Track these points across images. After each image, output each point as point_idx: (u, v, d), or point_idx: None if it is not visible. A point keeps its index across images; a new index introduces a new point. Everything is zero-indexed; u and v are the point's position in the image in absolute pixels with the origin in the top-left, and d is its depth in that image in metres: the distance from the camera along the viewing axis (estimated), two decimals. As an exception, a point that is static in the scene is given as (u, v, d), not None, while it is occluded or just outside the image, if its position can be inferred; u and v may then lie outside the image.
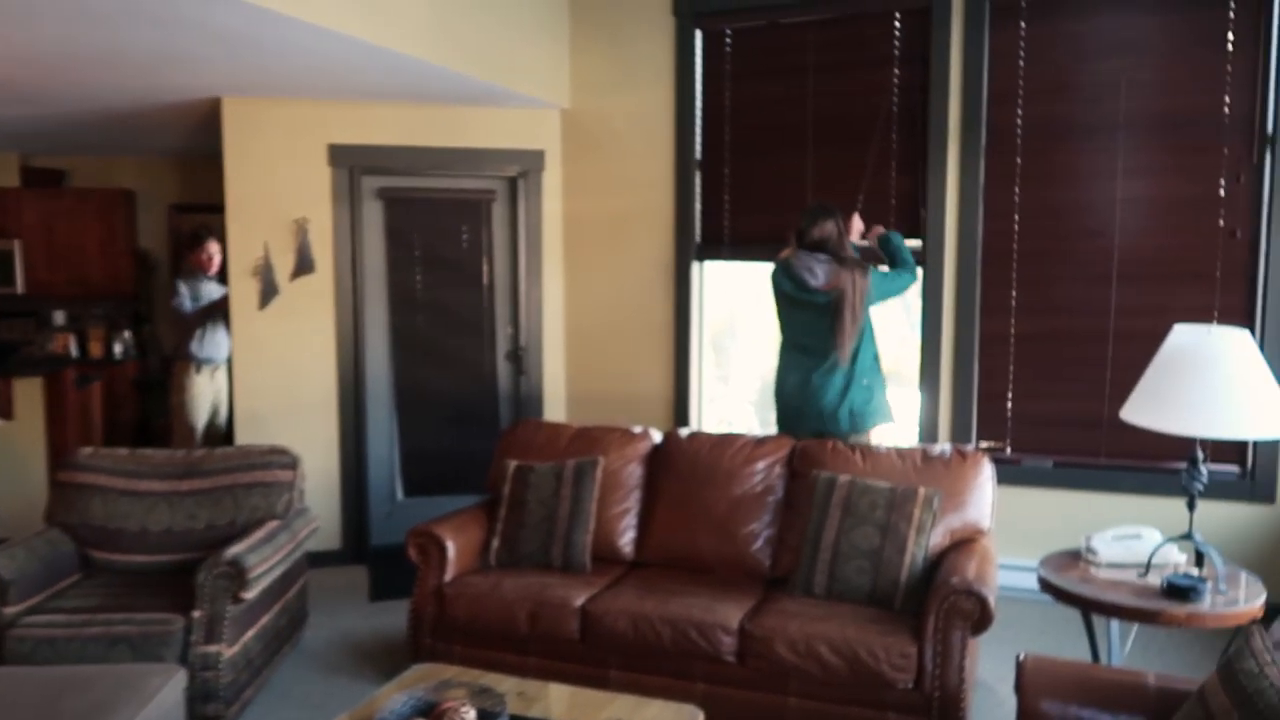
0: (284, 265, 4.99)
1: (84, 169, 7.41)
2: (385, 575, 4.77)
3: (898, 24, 4.58)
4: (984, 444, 4.57)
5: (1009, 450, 4.55)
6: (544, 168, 5.22)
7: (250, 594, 3.27)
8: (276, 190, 4.96)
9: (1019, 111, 4.41)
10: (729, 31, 4.89)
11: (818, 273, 3.93)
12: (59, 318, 7.42)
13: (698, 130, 4.98)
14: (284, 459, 3.88)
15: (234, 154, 4.93)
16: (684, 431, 4.03)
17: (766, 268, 4.24)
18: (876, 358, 4.04)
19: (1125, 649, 3.51)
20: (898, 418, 4.16)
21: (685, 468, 3.83)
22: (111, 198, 7.28)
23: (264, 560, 3.37)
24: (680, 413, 5.09)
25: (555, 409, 5.33)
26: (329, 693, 3.61)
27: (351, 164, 5.02)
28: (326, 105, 4.95)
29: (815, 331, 3.98)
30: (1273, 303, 4.07)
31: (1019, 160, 4.43)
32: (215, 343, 5.69)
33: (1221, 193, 4.15)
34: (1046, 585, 3.12)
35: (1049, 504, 4.42)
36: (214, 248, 5.71)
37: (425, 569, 3.62)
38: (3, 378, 5.92)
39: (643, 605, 3.30)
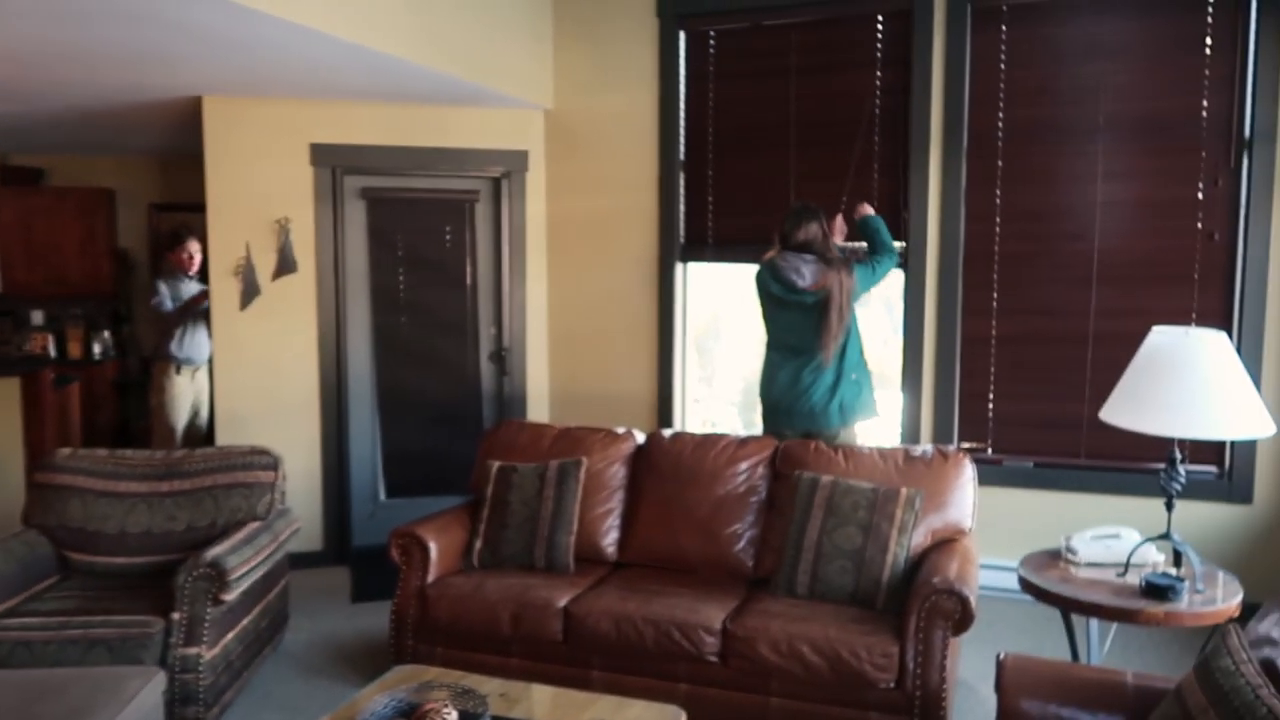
0: (265, 265, 4.96)
1: (62, 167, 7.35)
2: (367, 576, 4.74)
3: (880, 27, 4.60)
4: (965, 445, 4.60)
5: (990, 451, 4.58)
6: (528, 168, 5.21)
7: (230, 596, 3.25)
8: (258, 190, 4.93)
9: (1000, 114, 4.44)
10: (712, 33, 4.90)
11: (805, 273, 3.95)
12: (37, 317, 7.36)
13: (681, 131, 4.99)
14: (265, 460, 3.86)
15: (215, 153, 4.90)
16: (667, 432, 4.03)
17: (750, 269, 4.25)
18: (862, 353, 4.09)
19: (1104, 648, 3.54)
20: (882, 412, 4.21)
21: (668, 468, 3.83)
22: (90, 196, 7.21)
23: (245, 562, 3.35)
24: (664, 413, 5.10)
25: (539, 410, 5.33)
26: (310, 695, 3.59)
27: (334, 164, 5.00)
28: (308, 104, 4.92)
29: (803, 331, 4.00)
30: (1250, 305, 4.12)
31: (1000, 163, 4.46)
32: (196, 343, 5.66)
33: (1200, 195, 4.19)
34: (1027, 585, 3.14)
35: (1029, 504, 4.45)
36: (194, 247, 5.68)
37: (407, 570, 3.61)
38: (-21, 378, 5.86)
39: (626, 606, 3.30)
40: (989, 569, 4.29)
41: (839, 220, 4.32)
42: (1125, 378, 3.10)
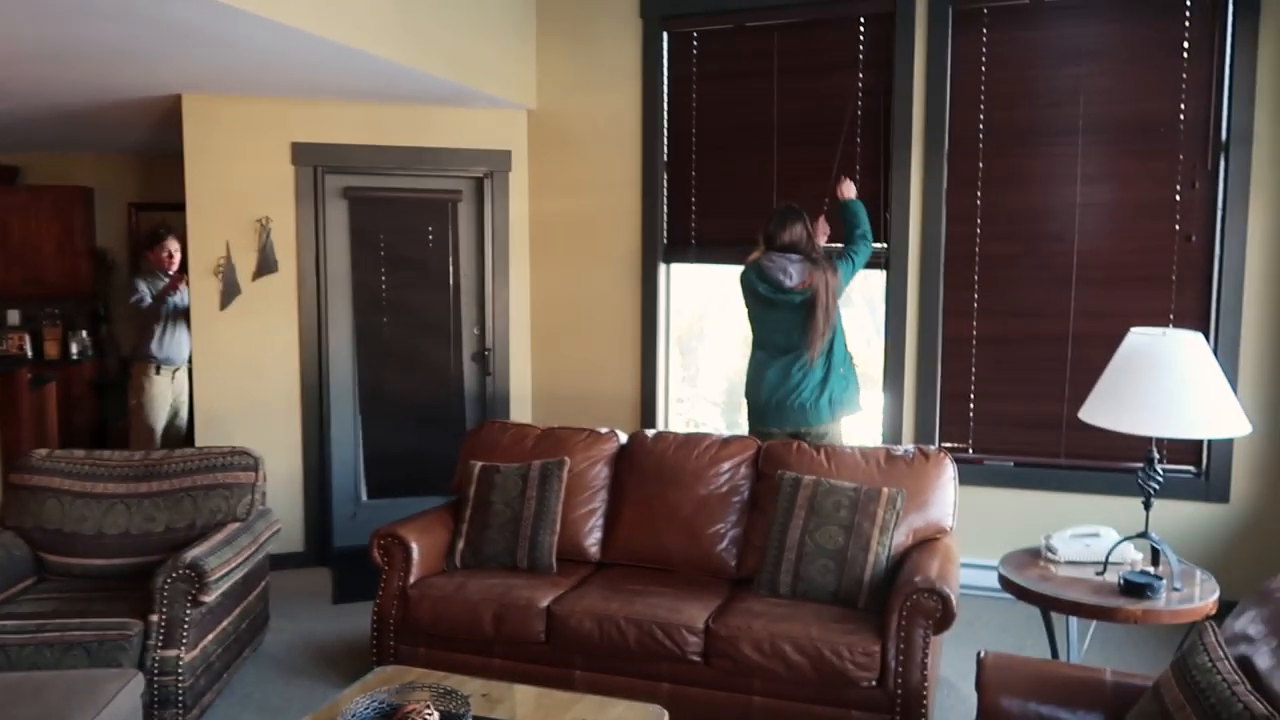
0: (246, 265, 4.93)
1: (39, 165, 7.27)
2: (349, 577, 4.72)
3: (862, 29, 4.62)
4: (946, 444, 4.62)
5: (971, 450, 4.60)
6: (511, 168, 5.20)
7: (210, 597, 3.22)
8: (238, 189, 4.89)
9: (981, 116, 4.46)
10: (695, 34, 4.91)
11: (792, 273, 3.98)
12: (13, 317, 7.28)
13: (664, 132, 4.99)
14: (245, 460, 3.83)
15: (195, 152, 4.85)
16: (650, 432, 4.04)
17: (732, 270, 4.26)
18: (847, 347, 4.14)
19: (1084, 646, 3.56)
20: (865, 407, 4.26)
21: (651, 468, 3.83)
22: (68, 195, 7.14)
23: (224, 563, 3.33)
24: (647, 414, 5.10)
25: (521, 410, 5.31)
26: (290, 696, 3.57)
27: (315, 163, 4.97)
28: (290, 103, 4.89)
29: (791, 329, 4.03)
30: (1226, 306, 4.16)
31: (981, 164, 4.49)
32: (176, 343, 5.61)
33: (1177, 198, 4.23)
34: (1007, 583, 3.16)
35: (1010, 503, 4.48)
36: (173, 246, 5.63)
37: (389, 571, 3.59)
38: (-46, 378, 5.80)
39: (608, 606, 3.30)
40: (970, 568, 4.31)
41: (822, 221, 4.34)
42: (1104, 378, 3.13)
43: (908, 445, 4.19)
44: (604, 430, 4.03)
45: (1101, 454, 4.31)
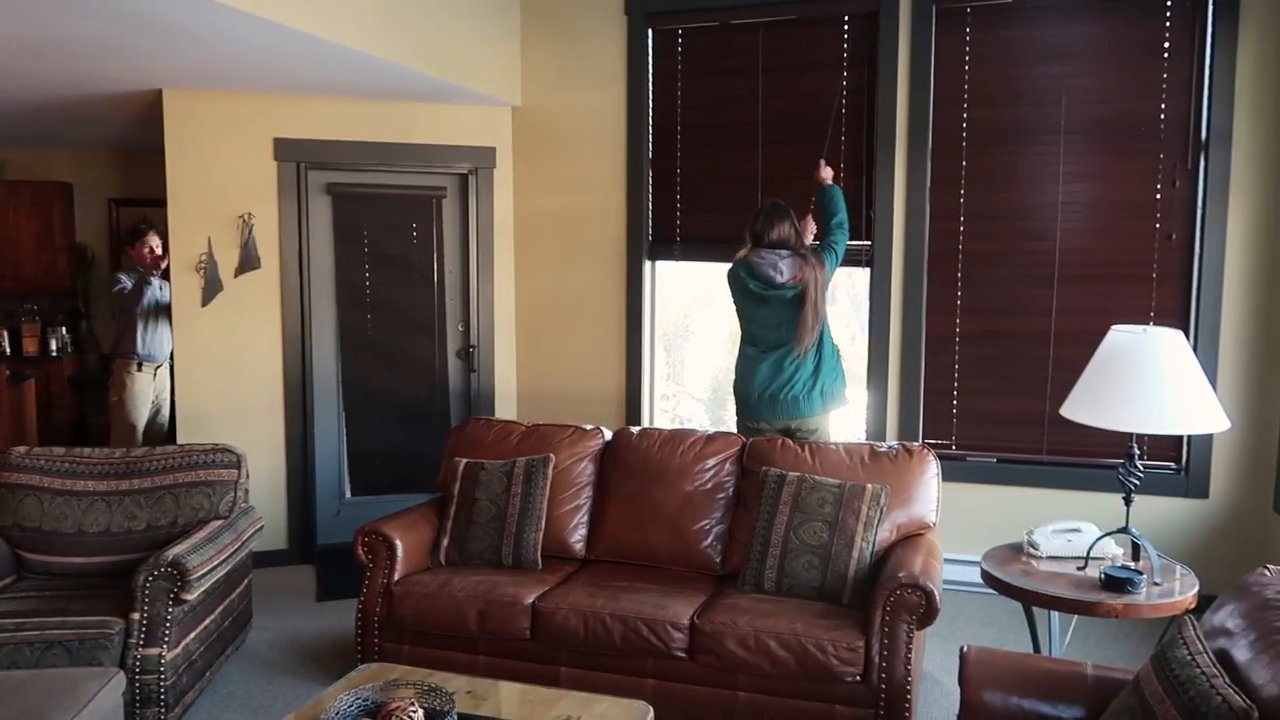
0: (228, 261, 4.89)
1: (17, 161, 7.19)
2: (332, 575, 4.70)
3: (847, 27, 4.64)
4: (930, 441, 4.65)
5: (954, 447, 4.63)
6: (495, 165, 5.18)
7: (192, 595, 3.20)
8: (220, 184, 4.86)
9: (964, 115, 4.49)
10: (680, 31, 4.91)
11: (782, 268, 4.01)
12: (-9, 313, 7.21)
13: (649, 130, 4.99)
14: (227, 458, 3.81)
15: (176, 147, 4.81)
16: (635, 429, 4.03)
17: (717, 268, 4.26)
18: (833, 340, 4.17)
19: (1065, 640, 3.59)
20: (850, 400, 4.29)
21: (636, 465, 3.83)
22: (47, 191, 7.07)
23: (206, 561, 3.31)
24: (632, 410, 5.10)
25: (506, 407, 5.30)
26: (274, 694, 3.55)
27: (298, 158, 4.94)
28: (272, 98, 4.86)
29: (781, 324, 4.06)
30: (1206, 303, 4.20)
31: (964, 163, 4.51)
32: (158, 340, 5.57)
33: (1158, 196, 4.27)
34: (989, 579, 3.18)
35: (992, 499, 4.51)
36: (155, 241, 5.59)
37: (373, 568, 3.58)
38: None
39: (593, 602, 3.30)
40: (953, 563, 4.34)
41: (809, 219, 4.36)
42: (1085, 375, 3.15)
43: (891, 442, 4.21)
44: (589, 427, 4.03)
45: (1083, 450, 4.34)
